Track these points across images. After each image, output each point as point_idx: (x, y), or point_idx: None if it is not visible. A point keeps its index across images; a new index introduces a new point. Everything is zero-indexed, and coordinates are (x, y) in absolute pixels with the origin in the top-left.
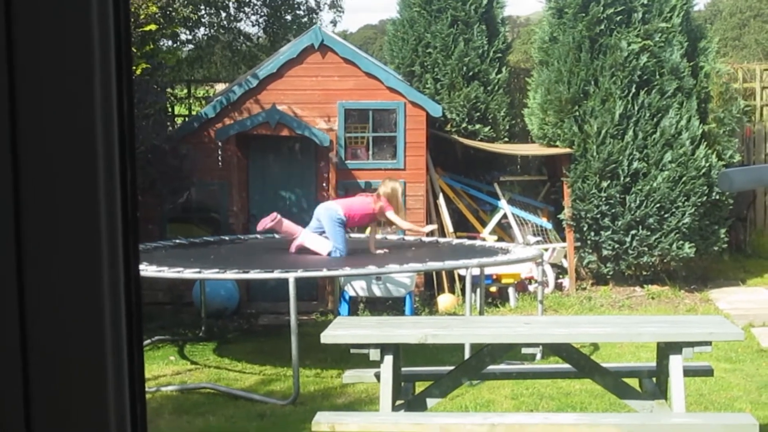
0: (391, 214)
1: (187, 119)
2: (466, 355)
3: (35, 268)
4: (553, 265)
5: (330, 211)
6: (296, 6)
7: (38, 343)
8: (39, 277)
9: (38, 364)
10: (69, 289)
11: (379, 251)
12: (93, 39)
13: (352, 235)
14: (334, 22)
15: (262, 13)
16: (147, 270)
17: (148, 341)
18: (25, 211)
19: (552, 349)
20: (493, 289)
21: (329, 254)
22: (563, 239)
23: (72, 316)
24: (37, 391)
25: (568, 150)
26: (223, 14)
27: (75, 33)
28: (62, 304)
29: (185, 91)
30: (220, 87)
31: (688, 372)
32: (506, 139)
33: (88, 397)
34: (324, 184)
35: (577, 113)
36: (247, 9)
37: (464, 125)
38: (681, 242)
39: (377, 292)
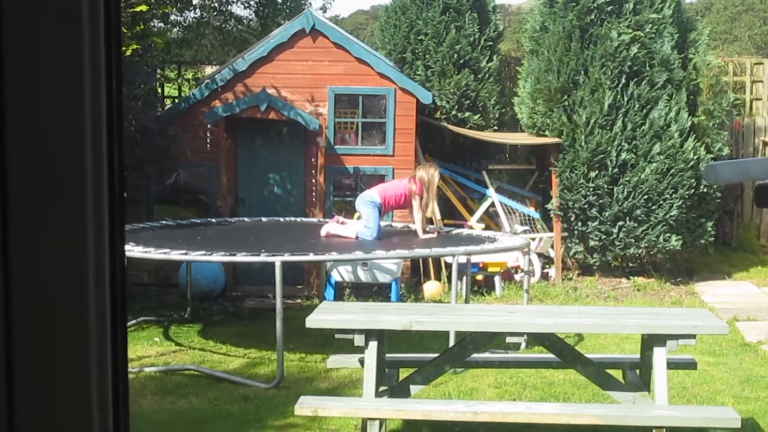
0: (415, 203)
1: (176, 101)
2: (451, 343)
3: (20, 247)
4: (540, 255)
5: (364, 197)
6: None
7: (21, 321)
8: (24, 256)
9: (21, 343)
10: (54, 269)
11: (427, 235)
12: (82, 19)
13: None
14: (323, 9)
15: None
16: (133, 251)
17: (134, 322)
18: (11, 190)
19: (536, 339)
20: (480, 277)
21: (356, 237)
22: (550, 229)
23: (56, 296)
24: (20, 369)
25: (556, 140)
26: None
27: (64, 13)
28: (47, 283)
29: (175, 72)
30: (209, 70)
31: (672, 364)
32: (495, 127)
33: (71, 376)
34: (312, 170)
35: (567, 103)
36: None
37: (454, 113)
38: (668, 235)
39: (363, 277)
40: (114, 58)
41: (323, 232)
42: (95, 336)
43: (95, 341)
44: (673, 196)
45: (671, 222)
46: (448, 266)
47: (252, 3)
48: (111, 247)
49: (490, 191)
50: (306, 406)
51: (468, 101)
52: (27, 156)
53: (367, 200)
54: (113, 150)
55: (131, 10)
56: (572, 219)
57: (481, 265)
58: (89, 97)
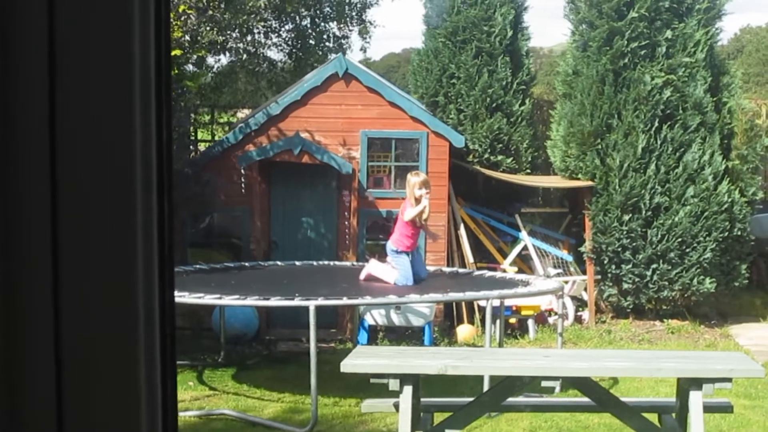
0: (407, 213)
1: (209, 144)
2: (485, 387)
3: (71, 293)
4: (573, 298)
5: (387, 248)
6: (323, 33)
7: (73, 368)
8: (75, 302)
9: (73, 391)
10: (104, 315)
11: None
12: (134, 64)
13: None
14: (363, 50)
15: (288, 39)
16: None
17: None
18: (63, 236)
19: (572, 383)
20: (513, 320)
21: (395, 283)
22: (584, 272)
23: (106, 343)
24: (70, 414)
25: (590, 183)
26: (249, 38)
27: (116, 57)
28: (97, 328)
29: (208, 116)
30: (243, 113)
31: (708, 408)
32: (528, 170)
33: (121, 423)
34: (345, 213)
35: (600, 146)
36: (273, 35)
37: (487, 156)
38: (702, 277)
39: (396, 321)
40: (164, 104)
41: (362, 275)
42: (145, 381)
43: (145, 387)
44: (707, 238)
45: (705, 264)
46: (482, 309)
47: (285, 46)
48: (161, 293)
49: (523, 234)
50: None
51: (501, 145)
52: (77, 203)
53: (389, 250)
54: (163, 196)
55: None
56: (605, 262)
57: (514, 308)
58: (140, 141)
